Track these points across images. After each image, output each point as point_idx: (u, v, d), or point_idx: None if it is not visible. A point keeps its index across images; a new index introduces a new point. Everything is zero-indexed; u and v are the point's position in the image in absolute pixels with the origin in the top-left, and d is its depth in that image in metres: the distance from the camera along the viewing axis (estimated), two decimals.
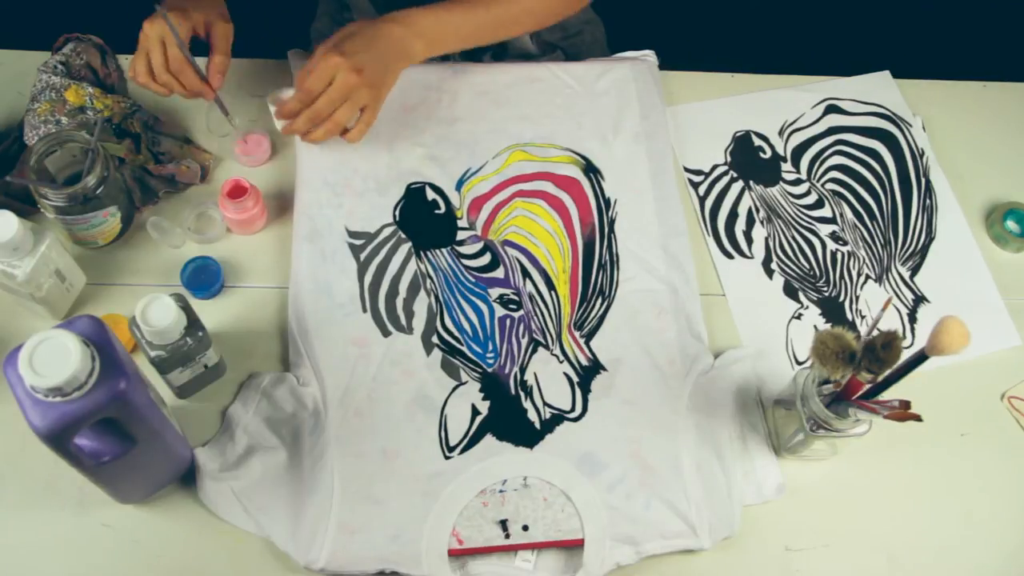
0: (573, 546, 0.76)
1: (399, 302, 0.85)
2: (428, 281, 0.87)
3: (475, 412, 0.81)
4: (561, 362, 0.84)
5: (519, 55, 1.06)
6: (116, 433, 0.64)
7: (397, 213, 0.90)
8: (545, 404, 0.82)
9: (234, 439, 0.77)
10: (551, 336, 0.85)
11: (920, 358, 0.68)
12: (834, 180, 1.00)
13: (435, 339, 0.84)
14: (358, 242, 0.88)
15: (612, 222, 0.92)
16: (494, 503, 0.77)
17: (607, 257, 0.90)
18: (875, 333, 0.70)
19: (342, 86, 0.82)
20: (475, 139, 0.95)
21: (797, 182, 0.99)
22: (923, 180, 1.01)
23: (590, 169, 0.95)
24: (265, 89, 0.97)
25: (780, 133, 1.02)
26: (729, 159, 1.00)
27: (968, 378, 0.88)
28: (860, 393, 0.72)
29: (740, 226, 0.95)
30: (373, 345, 0.83)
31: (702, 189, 0.98)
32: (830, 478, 0.82)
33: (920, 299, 0.93)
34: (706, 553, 0.77)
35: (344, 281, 0.86)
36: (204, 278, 0.85)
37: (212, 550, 0.74)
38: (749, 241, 0.95)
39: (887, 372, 0.70)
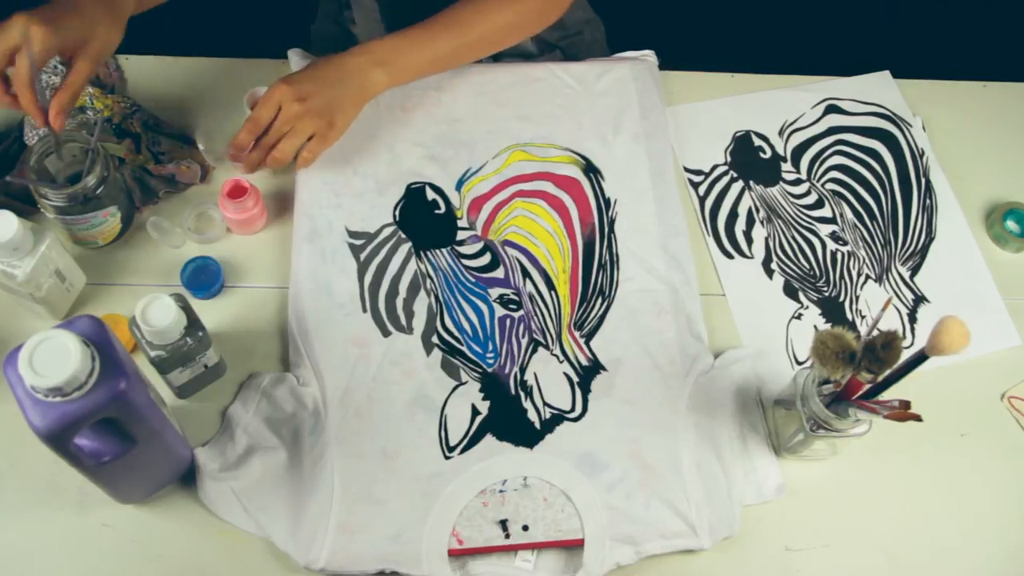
0: (573, 546, 0.76)
1: (399, 302, 0.85)
2: (428, 281, 0.87)
3: (475, 412, 0.81)
4: (561, 362, 0.84)
5: (519, 55, 1.06)
6: (116, 433, 0.64)
7: (397, 213, 0.90)
8: (545, 404, 0.82)
9: (234, 439, 0.77)
10: (551, 336, 0.85)
11: (920, 358, 0.68)
12: (834, 180, 0.99)
13: (435, 339, 0.84)
14: (358, 242, 0.88)
15: (612, 222, 0.92)
16: (494, 503, 0.77)
17: (607, 257, 0.90)
18: (875, 333, 0.70)
19: (285, 115, 0.83)
20: (475, 139, 0.95)
21: (797, 182, 0.99)
22: (923, 180, 1.01)
23: (590, 169, 0.95)
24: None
25: (780, 133, 1.02)
26: (729, 159, 1.00)
27: (968, 378, 0.88)
28: (860, 393, 0.72)
29: (740, 226, 0.95)
30: (373, 345, 0.83)
31: (702, 189, 0.98)
32: (830, 478, 0.82)
33: (920, 299, 0.93)
34: (706, 553, 0.77)
35: (344, 281, 0.86)
36: (204, 278, 0.85)
37: (212, 550, 0.74)
38: (749, 241, 0.95)
39: (887, 372, 0.70)
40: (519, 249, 0.90)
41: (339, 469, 0.76)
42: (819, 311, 0.91)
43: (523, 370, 0.83)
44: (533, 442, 0.80)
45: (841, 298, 0.92)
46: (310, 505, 0.75)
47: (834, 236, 0.95)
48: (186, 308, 0.72)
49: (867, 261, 0.94)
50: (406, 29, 0.89)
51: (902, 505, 0.82)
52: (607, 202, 0.93)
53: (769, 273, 0.93)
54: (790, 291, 0.92)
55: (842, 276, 0.93)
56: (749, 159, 1.00)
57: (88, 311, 0.83)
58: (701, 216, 0.96)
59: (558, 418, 0.81)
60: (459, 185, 0.93)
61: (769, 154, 1.01)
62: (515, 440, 0.80)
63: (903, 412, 0.68)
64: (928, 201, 1.00)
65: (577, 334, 0.86)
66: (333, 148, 0.91)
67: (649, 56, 1.04)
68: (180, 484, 0.76)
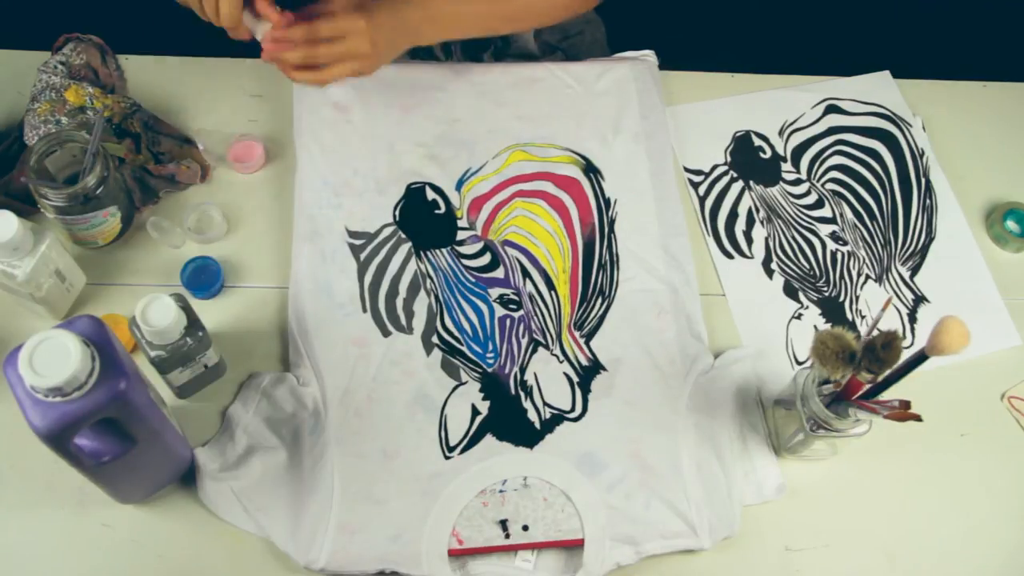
0: (573, 546, 0.76)
1: (399, 302, 0.85)
2: (428, 281, 0.87)
3: (475, 412, 0.81)
4: (561, 362, 0.84)
5: (520, 55, 1.06)
6: (116, 433, 0.64)
7: (397, 213, 0.90)
8: (545, 404, 0.82)
9: (234, 439, 0.77)
10: (551, 336, 0.85)
11: (920, 358, 0.68)
12: (834, 180, 0.99)
13: (435, 339, 0.84)
14: (358, 242, 0.88)
15: (612, 222, 0.92)
16: (494, 503, 0.77)
17: (607, 257, 0.90)
18: (875, 333, 0.70)
19: (352, 50, 0.78)
20: (475, 139, 0.95)
21: (797, 182, 0.99)
22: (923, 180, 1.01)
23: (590, 169, 0.95)
24: (265, 89, 0.97)
25: (780, 133, 1.02)
26: (729, 159, 1.00)
27: (968, 378, 0.88)
28: (860, 393, 0.72)
29: (740, 226, 0.95)
30: (373, 345, 0.83)
31: (702, 189, 0.98)
32: (830, 478, 0.82)
33: (920, 299, 0.93)
34: (706, 553, 0.77)
35: (344, 281, 0.86)
36: (204, 278, 0.85)
37: (212, 550, 0.74)
38: (749, 241, 0.95)
39: (887, 372, 0.70)
40: (519, 249, 0.90)
41: (339, 469, 0.76)
42: (819, 311, 0.91)
43: (523, 370, 0.83)
44: (533, 442, 0.80)
45: (841, 298, 0.92)
46: (310, 505, 0.75)
47: (834, 236, 0.95)
48: (186, 308, 0.72)
49: (867, 261, 0.94)
50: None
51: (902, 505, 0.82)
52: (607, 202, 0.93)
53: (769, 273, 0.93)
54: (790, 291, 0.92)
55: (842, 276, 0.93)
56: (749, 159, 1.00)
57: (88, 311, 0.83)
58: (701, 216, 0.96)
59: (558, 418, 0.81)
60: (459, 185, 0.93)
61: (769, 154, 1.01)
62: (515, 440, 0.80)
63: (903, 412, 0.68)
64: (928, 201, 1.00)
65: (577, 334, 0.86)
66: (333, 148, 0.91)
67: (649, 56, 1.04)
68: (180, 484, 0.76)
